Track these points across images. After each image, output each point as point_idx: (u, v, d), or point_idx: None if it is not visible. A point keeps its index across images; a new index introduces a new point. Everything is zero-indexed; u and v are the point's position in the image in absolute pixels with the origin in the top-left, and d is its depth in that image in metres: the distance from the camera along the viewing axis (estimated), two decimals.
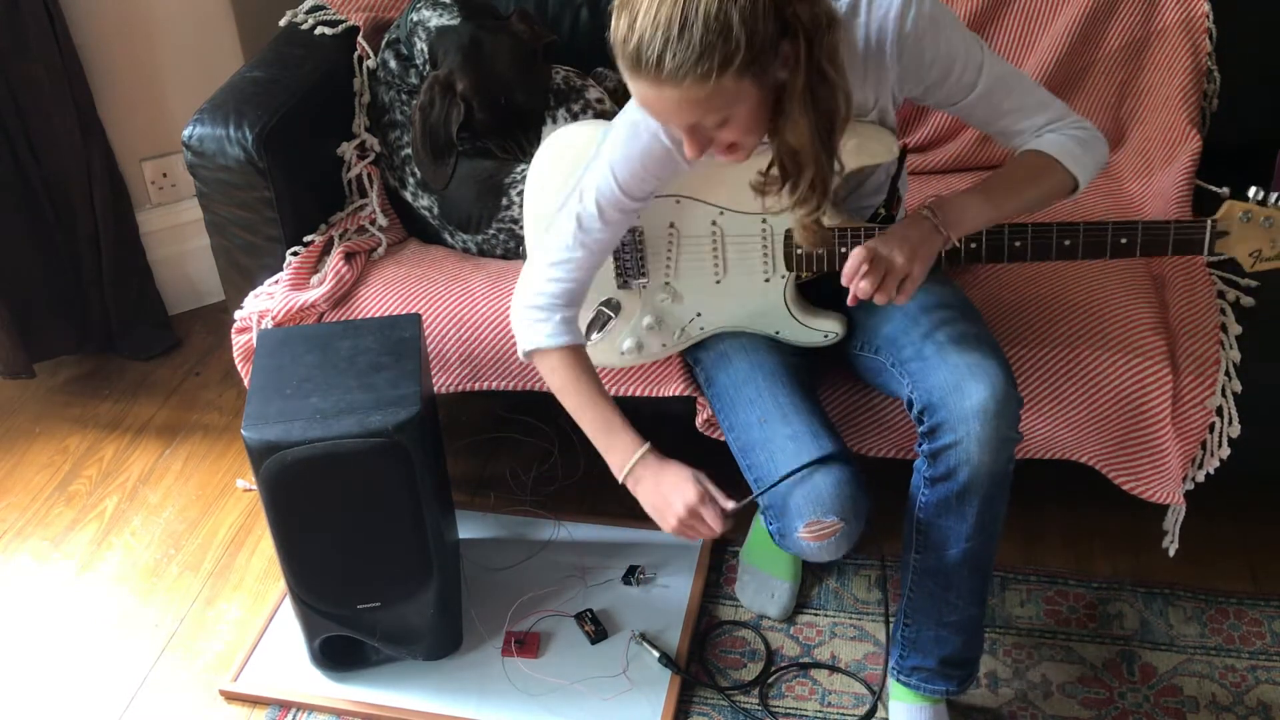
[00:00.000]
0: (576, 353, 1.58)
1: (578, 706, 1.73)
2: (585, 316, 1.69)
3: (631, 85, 1.29)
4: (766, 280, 1.65)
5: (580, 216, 1.53)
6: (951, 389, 1.46)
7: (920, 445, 1.52)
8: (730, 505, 1.53)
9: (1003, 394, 1.45)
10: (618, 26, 1.25)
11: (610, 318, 1.69)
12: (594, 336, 1.69)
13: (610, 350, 1.74)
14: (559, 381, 1.59)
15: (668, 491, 1.54)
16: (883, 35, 1.41)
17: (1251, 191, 1.48)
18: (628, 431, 1.57)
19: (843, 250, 1.57)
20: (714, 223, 1.63)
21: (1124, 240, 1.50)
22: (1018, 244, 1.52)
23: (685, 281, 1.68)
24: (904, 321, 1.58)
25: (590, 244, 1.55)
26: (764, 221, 1.62)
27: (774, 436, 1.53)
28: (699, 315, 1.69)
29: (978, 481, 1.47)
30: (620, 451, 1.57)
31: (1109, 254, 1.52)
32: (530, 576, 1.95)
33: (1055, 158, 1.51)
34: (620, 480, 1.58)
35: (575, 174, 1.57)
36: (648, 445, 1.56)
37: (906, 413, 1.73)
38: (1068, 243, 1.51)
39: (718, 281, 1.67)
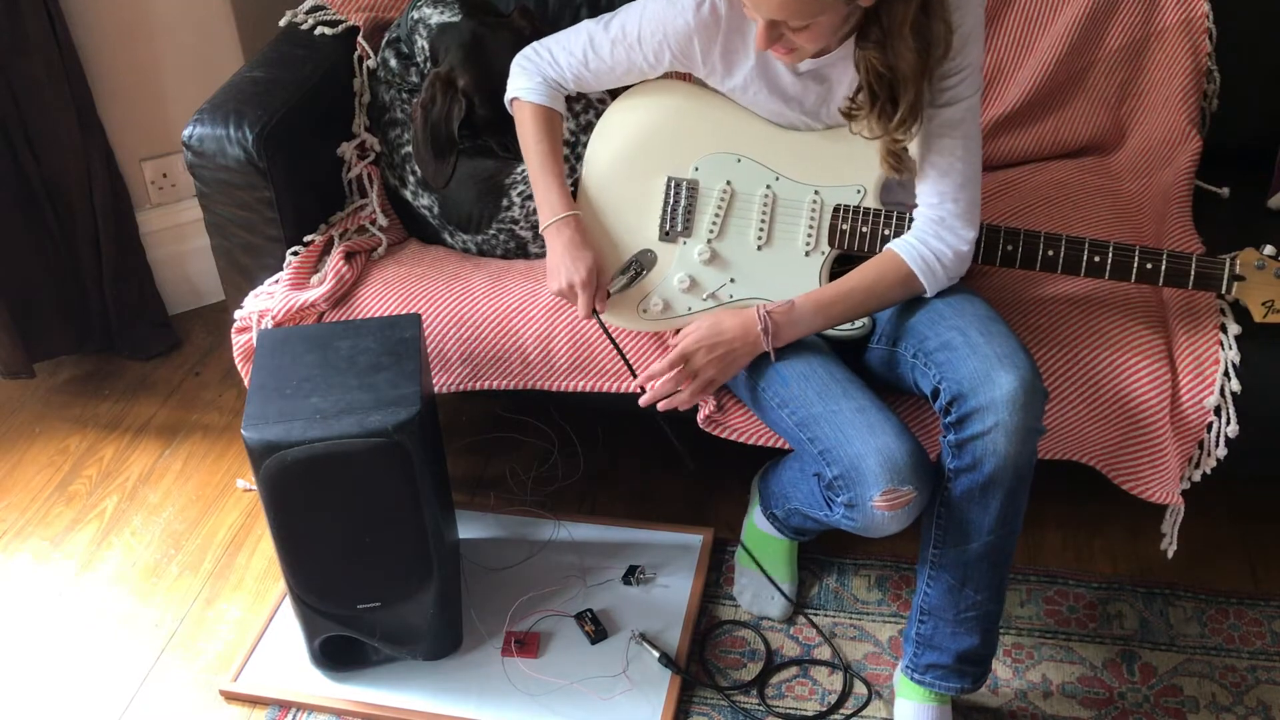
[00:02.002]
0: (546, 113, 1.74)
1: (578, 706, 1.74)
2: (619, 264, 1.72)
3: None
4: (807, 254, 1.67)
5: (594, 35, 1.69)
6: (982, 378, 1.48)
7: (946, 436, 1.53)
8: (601, 307, 1.68)
9: (1030, 384, 1.47)
10: None
11: (642, 269, 1.70)
12: (618, 281, 1.71)
13: (633, 309, 1.74)
14: (525, 133, 1.74)
15: (560, 263, 1.68)
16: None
17: (1267, 249, 1.57)
18: (559, 194, 1.71)
19: (885, 233, 1.63)
20: (768, 186, 1.67)
21: (1149, 266, 1.59)
22: (1050, 254, 1.61)
23: (727, 242, 1.70)
24: (925, 314, 1.59)
25: (590, 60, 1.70)
26: (816, 193, 1.65)
27: (840, 409, 1.54)
28: (732, 281, 1.70)
29: (1003, 473, 1.48)
30: (546, 209, 1.71)
31: (1134, 278, 1.60)
32: (530, 576, 1.95)
33: (915, 273, 1.58)
34: (542, 230, 1.72)
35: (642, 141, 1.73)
36: (569, 214, 1.69)
37: (911, 417, 1.74)
38: (1096, 259, 1.60)
39: (759, 247, 1.69)
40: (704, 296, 1.71)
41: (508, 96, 1.77)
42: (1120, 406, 1.69)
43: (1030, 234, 1.62)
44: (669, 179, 1.71)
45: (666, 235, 1.72)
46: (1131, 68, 2.10)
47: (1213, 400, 1.66)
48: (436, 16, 2.00)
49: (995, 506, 1.51)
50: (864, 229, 1.64)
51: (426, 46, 2.00)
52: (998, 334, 1.52)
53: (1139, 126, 2.12)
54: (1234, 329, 1.70)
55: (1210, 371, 1.67)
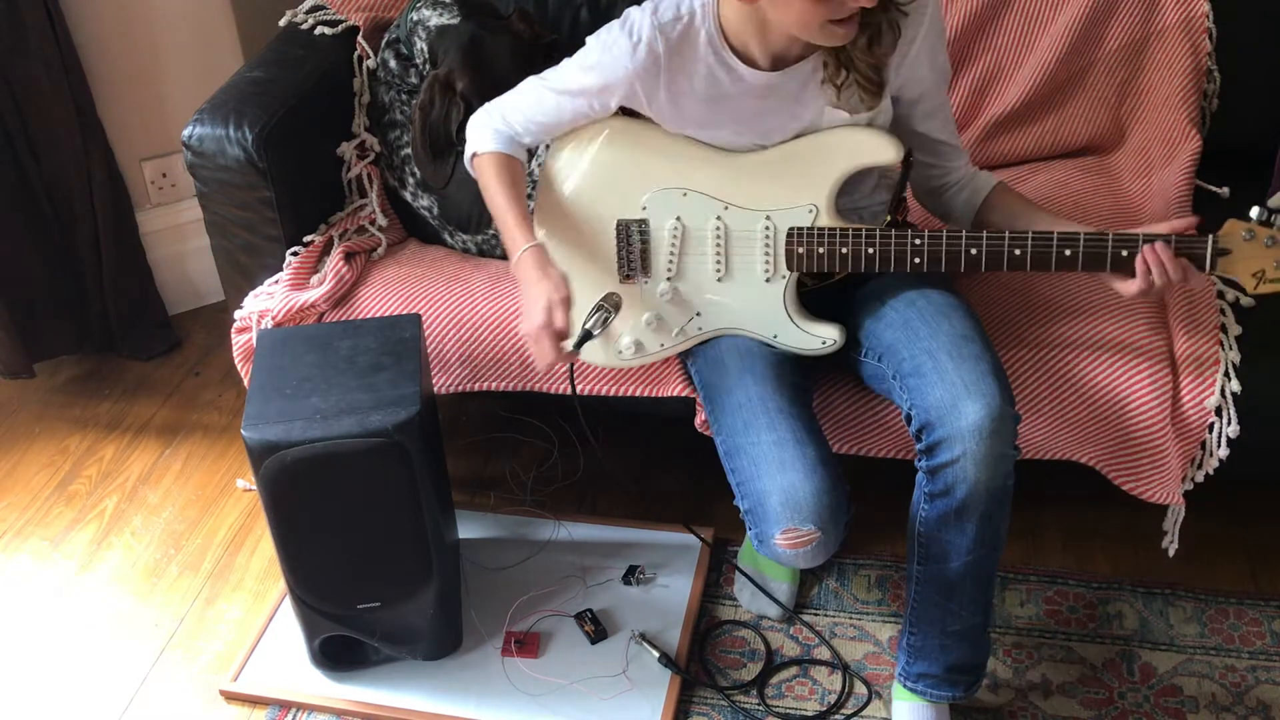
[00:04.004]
0: (504, 159, 1.69)
1: (578, 706, 1.74)
2: (585, 310, 1.70)
3: None
4: (768, 280, 1.64)
5: (540, 93, 1.65)
6: (948, 407, 1.47)
7: (919, 461, 1.53)
8: (567, 347, 1.57)
9: (999, 412, 1.45)
10: None
11: (610, 314, 1.69)
12: (595, 332, 1.69)
13: (608, 350, 1.74)
14: (485, 182, 1.69)
15: (528, 304, 1.59)
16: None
17: (1254, 211, 1.47)
18: (520, 230, 1.64)
19: (844, 251, 1.57)
20: (718, 218, 1.63)
21: (1125, 253, 1.50)
22: (1017, 253, 1.53)
23: (687, 279, 1.68)
24: (903, 331, 1.58)
25: (538, 114, 1.66)
26: (767, 219, 1.61)
27: (757, 442, 1.53)
28: (698, 315, 1.69)
29: (976, 498, 1.48)
30: (510, 246, 1.65)
31: (1109, 265, 1.51)
32: (530, 576, 1.95)
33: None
34: (512, 267, 1.65)
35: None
36: (530, 246, 1.61)
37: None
38: (1068, 253, 1.51)
39: (719, 279, 1.67)
40: (674, 333, 1.71)
41: (467, 158, 1.73)
42: (1120, 407, 1.69)
43: (993, 236, 1.54)
44: (619, 221, 1.67)
45: (627, 278, 1.70)
46: (1131, 68, 2.10)
47: (1213, 400, 1.66)
48: (435, 19, 2.00)
49: (972, 529, 1.51)
50: (821, 249, 1.59)
51: (425, 49, 2.00)
52: (968, 357, 1.50)
53: (1139, 126, 2.11)
54: (1234, 329, 1.70)
55: (1210, 372, 1.67)
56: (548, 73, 1.67)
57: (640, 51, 1.54)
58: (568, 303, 1.56)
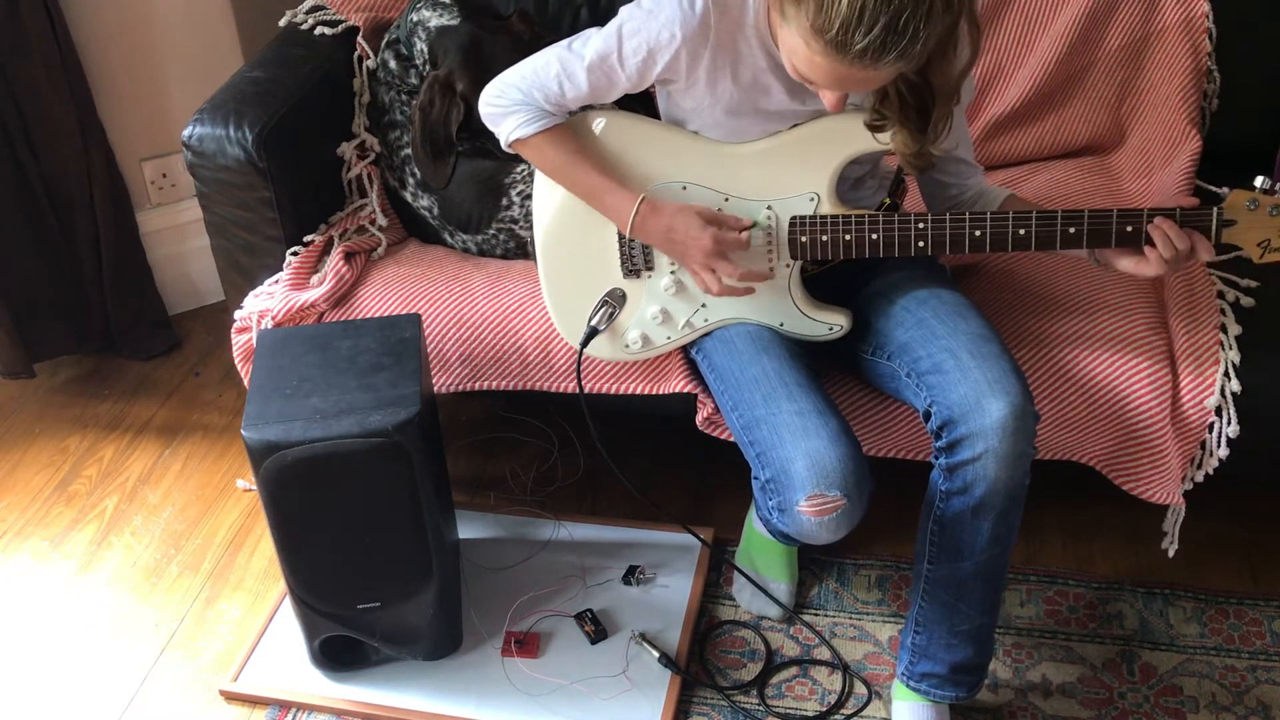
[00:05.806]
0: (554, 132, 1.60)
1: (578, 706, 1.74)
2: (590, 307, 1.70)
3: (821, 59, 1.31)
4: (771, 269, 1.64)
5: (565, 63, 1.56)
6: (972, 405, 1.47)
7: (938, 459, 1.52)
8: (746, 225, 1.56)
9: (1021, 410, 1.46)
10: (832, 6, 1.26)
11: (615, 309, 1.70)
12: (601, 328, 1.69)
13: (615, 344, 1.74)
14: (547, 163, 1.63)
15: (681, 236, 1.56)
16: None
17: (1258, 181, 1.46)
18: (617, 194, 1.59)
19: (847, 238, 1.57)
20: (719, 210, 1.62)
21: (1129, 229, 1.49)
22: (1021, 232, 1.52)
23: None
24: (918, 330, 1.57)
25: (566, 88, 1.57)
26: (768, 208, 1.61)
27: (779, 412, 1.52)
28: (704, 306, 1.69)
29: (995, 496, 1.48)
30: (618, 210, 1.59)
31: (1114, 241, 1.50)
32: (530, 576, 1.95)
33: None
34: (629, 235, 1.61)
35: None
36: (643, 196, 1.58)
37: (911, 415, 1.74)
38: (1072, 230, 1.50)
39: None
40: (680, 326, 1.71)
41: (505, 141, 1.63)
42: (1120, 407, 1.69)
43: (998, 215, 1.53)
44: None
45: (631, 272, 1.70)
46: (1131, 68, 2.10)
47: (1213, 400, 1.66)
48: (435, 19, 2.00)
49: (987, 528, 1.51)
50: (824, 237, 1.58)
51: (425, 49, 2.00)
52: (990, 355, 1.50)
53: (1139, 126, 2.12)
54: (1234, 329, 1.70)
55: (1210, 372, 1.67)
56: (571, 42, 1.57)
57: (695, 13, 1.47)
58: (714, 216, 1.56)
